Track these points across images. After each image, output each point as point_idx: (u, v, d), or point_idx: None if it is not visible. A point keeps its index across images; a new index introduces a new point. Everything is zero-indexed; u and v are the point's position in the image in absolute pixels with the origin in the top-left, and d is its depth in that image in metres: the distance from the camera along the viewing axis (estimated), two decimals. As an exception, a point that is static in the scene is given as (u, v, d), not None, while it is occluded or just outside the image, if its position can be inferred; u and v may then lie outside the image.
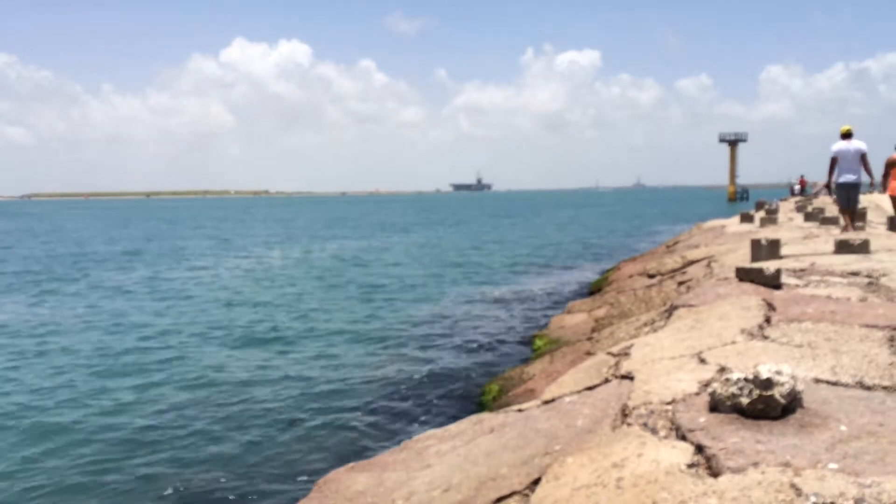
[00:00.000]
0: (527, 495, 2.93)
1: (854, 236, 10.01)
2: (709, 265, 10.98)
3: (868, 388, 3.43)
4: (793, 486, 2.33)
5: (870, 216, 17.13)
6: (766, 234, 13.14)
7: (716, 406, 3.11)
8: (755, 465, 2.53)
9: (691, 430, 2.95)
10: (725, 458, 2.61)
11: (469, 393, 9.25)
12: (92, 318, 15.85)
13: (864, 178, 12.25)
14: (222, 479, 6.85)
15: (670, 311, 6.58)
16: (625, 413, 3.43)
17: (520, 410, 4.25)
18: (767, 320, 5.05)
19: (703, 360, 4.13)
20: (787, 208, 28.32)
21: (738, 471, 2.50)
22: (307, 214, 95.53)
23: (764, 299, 5.78)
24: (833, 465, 2.48)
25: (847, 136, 12.15)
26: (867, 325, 4.64)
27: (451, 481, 3.33)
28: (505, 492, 3.01)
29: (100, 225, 68.22)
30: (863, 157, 12.04)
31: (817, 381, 3.57)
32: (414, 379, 10.11)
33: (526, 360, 9.87)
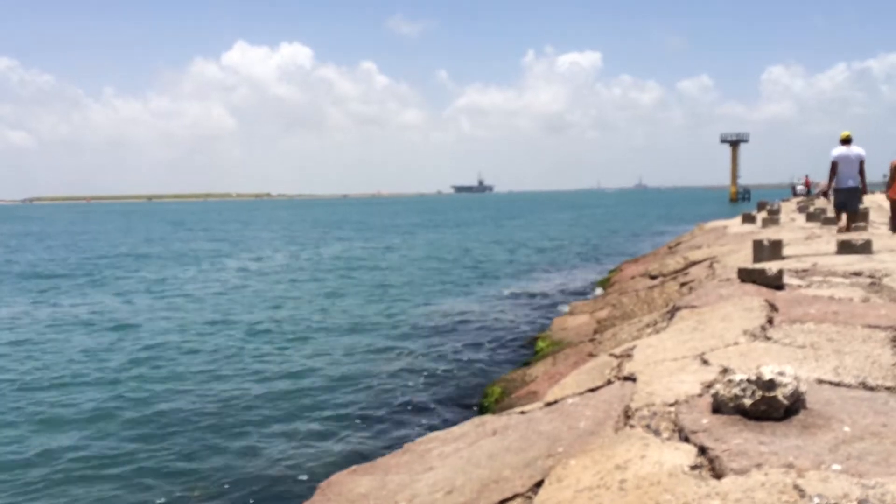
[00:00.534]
0: (529, 497, 2.93)
1: (856, 237, 10.00)
2: (711, 266, 10.97)
3: (871, 389, 3.43)
4: (796, 487, 2.32)
5: (872, 216, 17.11)
6: (768, 234, 13.12)
7: (719, 407, 3.11)
8: (758, 466, 2.52)
9: (694, 432, 2.94)
10: (728, 459, 2.61)
11: (471, 395, 9.25)
12: (92, 317, 15.86)
13: None
14: (224, 482, 6.85)
15: (672, 312, 6.57)
16: (627, 415, 3.43)
17: (522, 412, 4.25)
18: (770, 321, 5.04)
19: (705, 362, 4.13)
20: (788, 209, 28.26)
21: (741, 472, 2.50)
22: (309, 217, 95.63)
23: (766, 300, 5.78)
24: (836, 467, 2.48)
25: (847, 141, 12.20)
26: (870, 326, 4.63)
27: (454, 484, 3.33)
28: (508, 494, 3.01)
29: (105, 228, 68.32)
30: (860, 164, 12.15)
31: (820, 381, 3.56)
32: (416, 381, 10.11)
33: (528, 362, 9.86)
